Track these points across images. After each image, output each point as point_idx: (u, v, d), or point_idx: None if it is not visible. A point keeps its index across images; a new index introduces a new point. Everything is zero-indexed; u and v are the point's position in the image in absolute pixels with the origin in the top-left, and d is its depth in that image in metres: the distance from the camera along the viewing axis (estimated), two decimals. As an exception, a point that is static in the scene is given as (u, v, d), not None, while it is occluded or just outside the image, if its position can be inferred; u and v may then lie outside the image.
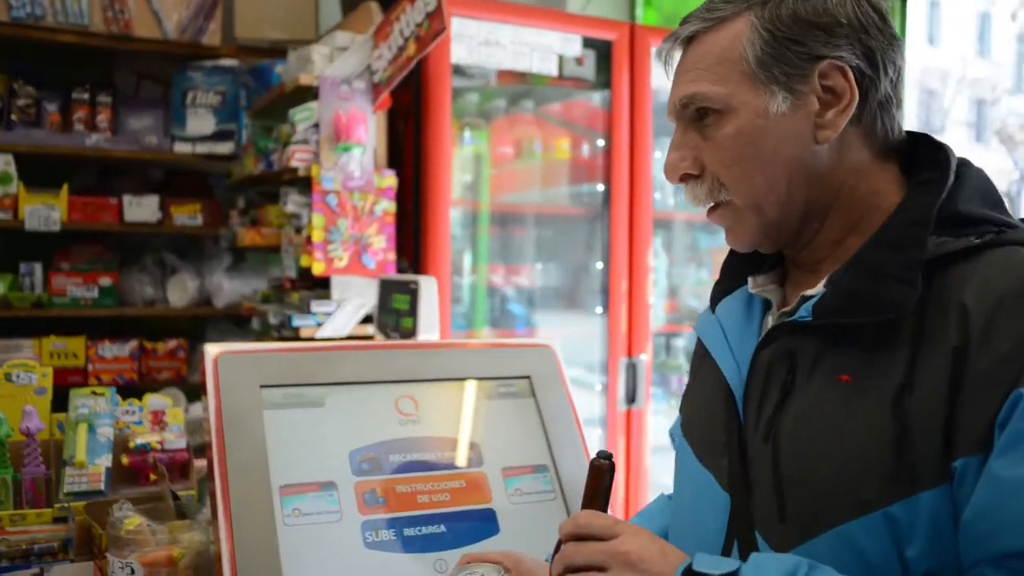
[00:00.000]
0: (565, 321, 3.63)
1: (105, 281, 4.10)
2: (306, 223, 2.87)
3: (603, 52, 3.40)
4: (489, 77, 3.30)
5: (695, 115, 1.11)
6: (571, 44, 3.27)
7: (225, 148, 4.14)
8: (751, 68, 1.07)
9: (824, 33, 1.06)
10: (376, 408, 1.53)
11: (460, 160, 3.25)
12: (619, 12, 3.97)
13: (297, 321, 2.82)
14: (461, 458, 1.55)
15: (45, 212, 3.90)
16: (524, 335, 3.42)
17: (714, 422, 1.18)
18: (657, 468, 3.52)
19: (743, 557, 1.08)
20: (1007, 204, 1.12)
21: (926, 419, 0.96)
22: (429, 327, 2.20)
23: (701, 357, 1.28)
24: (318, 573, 1.34)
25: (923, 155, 1.11)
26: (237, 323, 4.38)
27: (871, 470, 0.98)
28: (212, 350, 1.47)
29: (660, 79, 3.35)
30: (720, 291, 1.25)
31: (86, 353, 4.01)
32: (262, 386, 1.46)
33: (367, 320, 2.88)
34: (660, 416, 3.60)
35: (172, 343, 4.21)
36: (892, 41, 1.09)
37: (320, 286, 2.95)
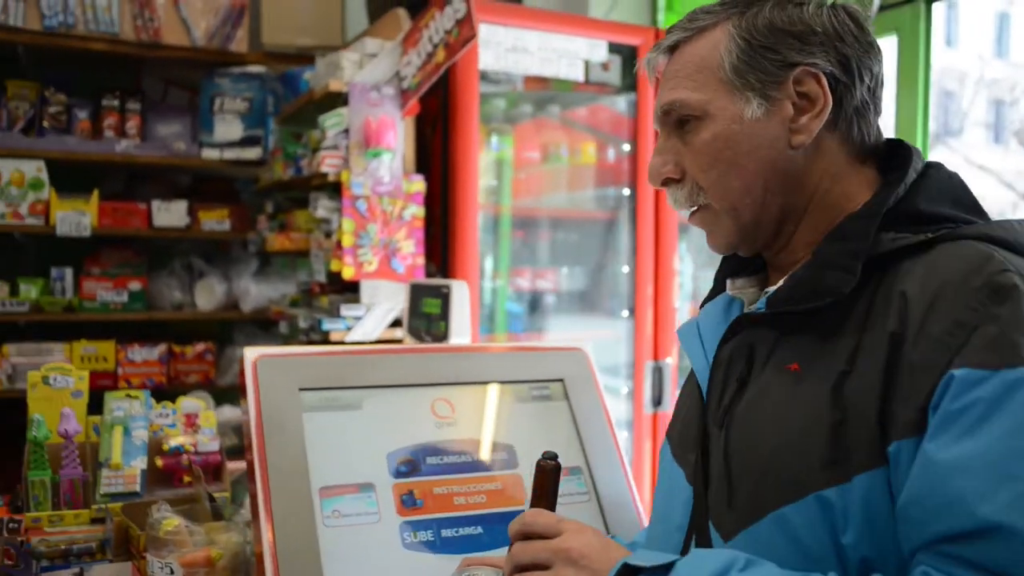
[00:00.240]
0: (590, 325, 3.64)
1: (134, 285, 4.14)
2: (336, 228, 2.90)
3: (628, 57, 3.41)
4: (515, 82, 3.32)
5: (676, 121, 1.15)
6: (597, 49, 3.28)
7: (252, 154, 4.18)
8: (727, 75, 1.11)
9: (798, 41, 1.09)
10: (412, 411, 1.55)
11: (483, 164, 3.26)
12: (642, 17, 3.98)
13: (327, 325, 2.84)
14: (496, 460, 1.56)
15: (76, 218, 3.95)
16: (538, 339, 3.43)
17: (689, 420, 1.22)
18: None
19: (700, 547, 1.12)
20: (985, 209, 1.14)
21: (862, 404, 0.98)
22: (461, 331, 2.22)
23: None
24: (358, 573, 1.36)
25: (897, 159, 1.14)
26: (264, 327, 4.42)
27: (808, 455, 1.00)
28: (251, 354, 1.49)
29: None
30: (707, 299, 1.29)
31: (116, 357, 4.05)
32: (301, 389, 1.48)
33: (396, 324, 2.90)
34: (686, 420, 3.59)
35: (200, 347, 4.25)
36: (869, 49, 1.12)
37: (349, 290, 2.97)
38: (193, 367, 4.24)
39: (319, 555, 1.35)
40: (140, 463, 2.27)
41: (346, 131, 2.88)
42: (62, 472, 2.18)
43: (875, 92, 1.14)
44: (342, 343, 2.78)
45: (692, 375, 1.26)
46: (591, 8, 3.84)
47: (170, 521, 1.76)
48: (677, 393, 1.40)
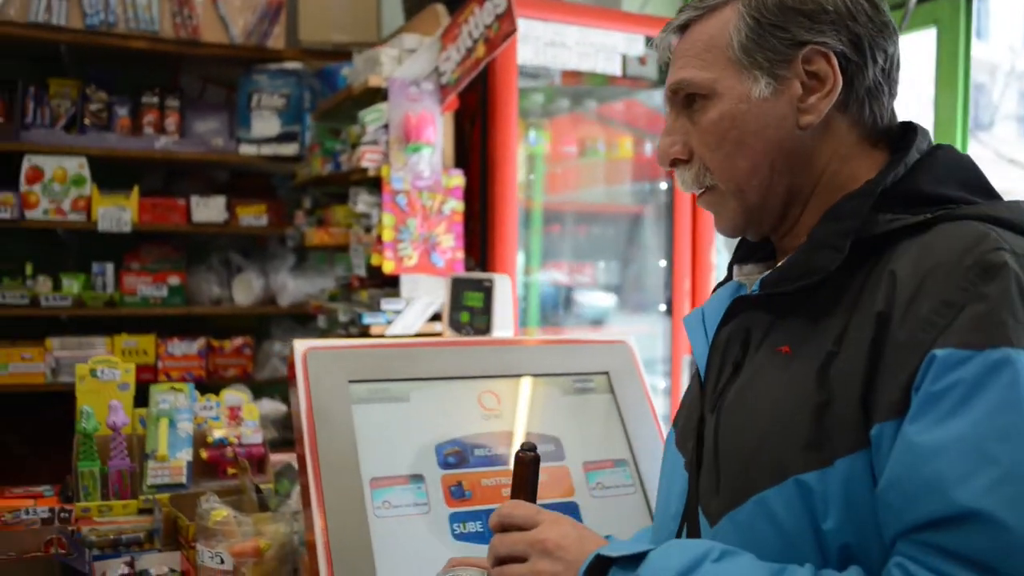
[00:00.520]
0: (627, 319, 3.63)
1: (174, 280, 4.19)
2: (376, 222, 2.92)
3: (665, 51, 3.39)
4: (553, 77, 3.32)
5: (685, 101, 1.14)
6: (634, 44, 3.27)
7: (289, 150, 4.21)
8: (736, 54, 1.09)
9: (808, 19, 1.07)
10: (460, 403, 1.56)
11: (521, 159, 3.27)
12: (675, 11, 3.97)
13: (367, 319, 2.86)
14: (543, 452, 1.57)
15: (117, 213, 4.00)
16: (573, 333, 3.43)
17: (691, 407, 1.21)
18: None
19: (690, 535, 1.12)
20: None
21: (846, 385, 0.96)
22: (504, 324, 2.23)
23: None
24: (409, 564, 1.37)
25: (907, 141, 1.11)
26: (300, 321, 4.45)
27: (791, 437, 0.99)
28: (300, 346, 1.51)
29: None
30: (717, 287, 1.28)
31: (156, 350, 4.10)
32: (350, 381, 1.49)
33: (435, 318, 2.91)
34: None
35: (238, 341, 4.29)
36: (883, 28, 1.09)
37: (388, 284, 2.99)
38: (231, 361, 4.28)
39: (371, 545, 1.36)
40: (186, 455, 2.30)
41: (386, 126, 2.90)
42: (110, 463, 2.21)
43: (889, 73, 1.11)
44: (382, 337, 2.80)
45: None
46: (624, 2, 3.84)
47: (219, 512, 1.78)
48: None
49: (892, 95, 1.12)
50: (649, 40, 3.33)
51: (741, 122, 1.09)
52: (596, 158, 3.57)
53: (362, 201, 2.97)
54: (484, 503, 1.47)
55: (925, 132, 1.11)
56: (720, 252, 3.70)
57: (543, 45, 3.03)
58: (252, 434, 2.46)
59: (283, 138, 4.23)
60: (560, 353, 1.70)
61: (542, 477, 1.56)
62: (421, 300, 2.86)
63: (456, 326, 2.49)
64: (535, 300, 3.41)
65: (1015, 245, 0.96)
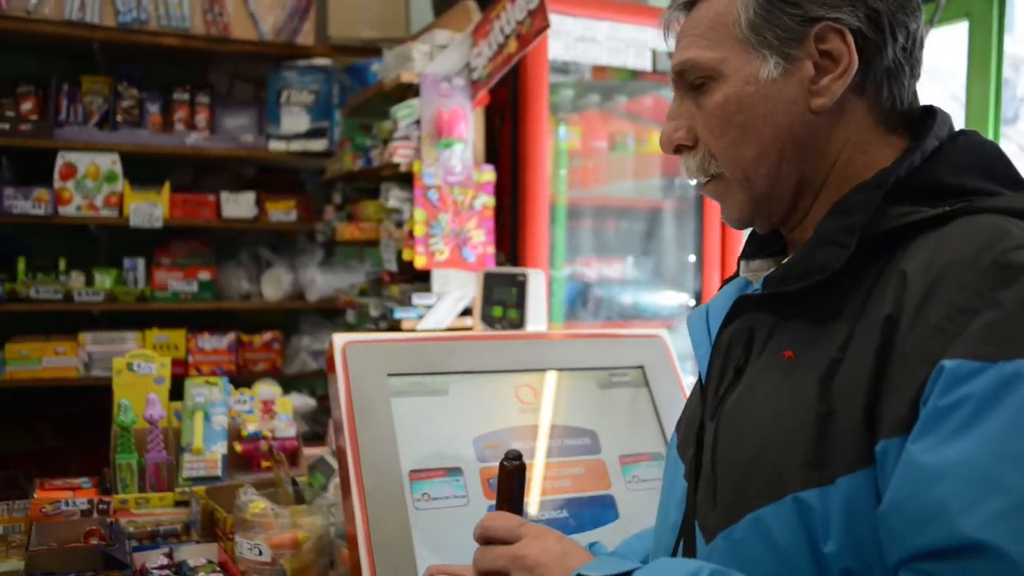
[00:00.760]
0: (656, 313, 3.63)
1: (204, 276, 4.22)
2: (407, 218, 2.93)
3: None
4: (583, 72, 3.32)
5: (690, 84, 1.05)
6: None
7: (318, 145, 4.24)
8: (743, 32, 1.00)
9: None
10: (497, 396, 1.57)
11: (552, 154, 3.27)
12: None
13: (399, 313, 2.88)
14: (580, 446, 1.58)
15: (148, 209, 4.04)
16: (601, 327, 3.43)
17: (693, 411, 1.14)
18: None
19: (687, 550, 1.05)
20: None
21: (850, 396, 0.89)
22: (537, 319, 2.24)
23: None
24: (449, 556, 1.38)
25: (926, 127, 1.02)
26: (329, 316, 4.48)
27: (791, 452, 0.91)
28: (339, 340, 1.52)
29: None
30: (725, 282, 1.21)
31: (187, 345, 4.14)
32: (389, 375, 1.50)
33: (466, 312, 2.93)
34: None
35: (267, 335, 4.32)
36: (905, 3, 1.00)
37: (419, 279, 3.00)
38: (261, 355, 4.31)
39: (410, 537, 1.37)
40: (221, 448, 2.33)
41: (417, 122, 2.91)
42: (148, 456, 2.24)
43: (911, 53, 1.01)
44: (413, 331, 2.82)
45: None
46: (652, -2, 3.83)
47: (257, 504, 1.80)
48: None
49: (914, 76, 1.03)
50: (679, 35, 3.32)
51: (748, 106, 1.00)
52: (625, 153, 3.57)
53: (393, 196, 2.98)
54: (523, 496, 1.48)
55: (946, 117, 1.03)
56: (749, 247, 3.68)
57: (573, 40, 3.03)
58: (285, 428, 2.48)
59: (312, 134, 4.25)
60: (595, 347, 1.71)
61: (580, 470, 1.58)
62: (452, 295, 2.87)
63: (488, 321, 2.50)
64: (560, 295, 3.42)
65: None
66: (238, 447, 2.39)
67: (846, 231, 0.94)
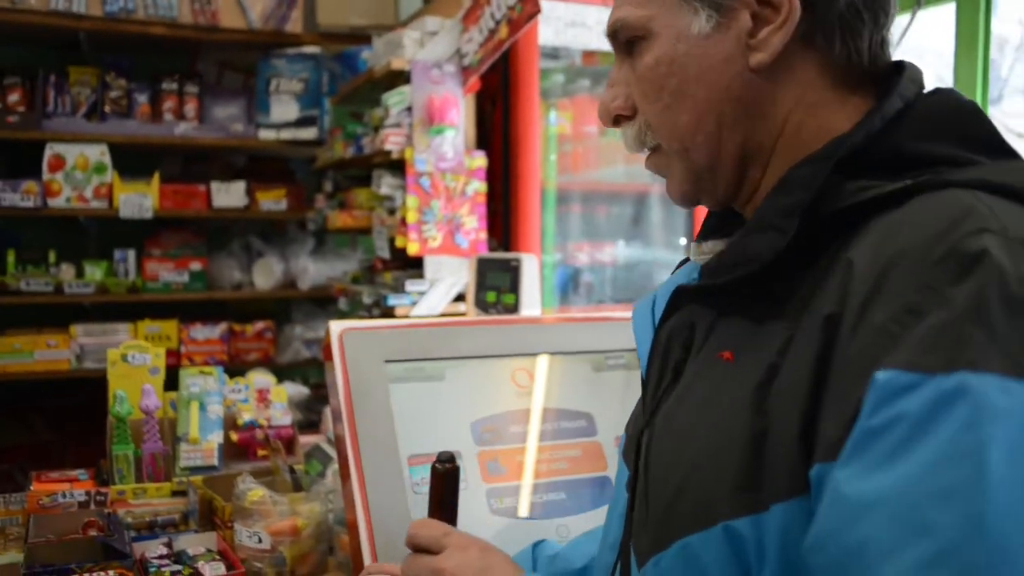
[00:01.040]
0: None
1: (195, 266, 4.22)
2: (399, 204, 2.93)
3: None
4: (573, 57, 3.32)
5: (625, 46, 0.93)
6: (654, 22, 3.27)
7: (308, 134, 4.23)
8: None
9: None
10: (494, 381, 1.57)
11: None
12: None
13: (392, 300, 2.88)
14: (576, 428, 1.59)
15: (138, 200, 4.03)
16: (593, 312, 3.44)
17: (638, 413, 1.03)
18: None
19: (623, 573, 0.96)
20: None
21: (786, 411, 0.76)
22: (531, 303, 2.25)
23: None
24: (449, 539, 1.38)
25: (890, 86, 0.88)
26: (321, 304, 4.48)
27: (722, 473, 0.79)
28: (336, 327, 1.52)
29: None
30: (677, 267, 1.09)
31: (179, 336, 4.14)
32: (386, 361, 1.51)
33: (459, 298, 2.93)
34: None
35: (259, 325, 4.32)
36: None
37: (411, 266, 3.01)
38: (253, 345, 4.31)
39: (411, 521, 1.37)
40: (217, 437, 2.33)
41: (409, 109, 2.91)
42: (144, 446, 2.24)
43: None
44: (407, 317, 2.82)
45: None
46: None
47: (255, 492, 1.81)
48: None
49: (878, 25, 0.87)
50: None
51: (680, 66, 0.88)
52: (615, 138, 3.57)
53: (385, 183, 2.98)
54: (520, 479, 1.49)
55: (915, 73, 0.88)
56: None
57: (563, 25, 3.03)
58: (281, 416, 2.48)
59: (302, 122, 4.24)
60: (590, 330, 1.71)
61: (576, 452, 1.59)
62: (445, 281, 2.87)
63: (482, 306, 2.50)
64: (550, 280, 3.43)
65: (1011, 223, 0.72)
66: (234, 436, 2.39)
67: (784, 213, 0.81)
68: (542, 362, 1.63)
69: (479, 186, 2.95)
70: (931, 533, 0.65)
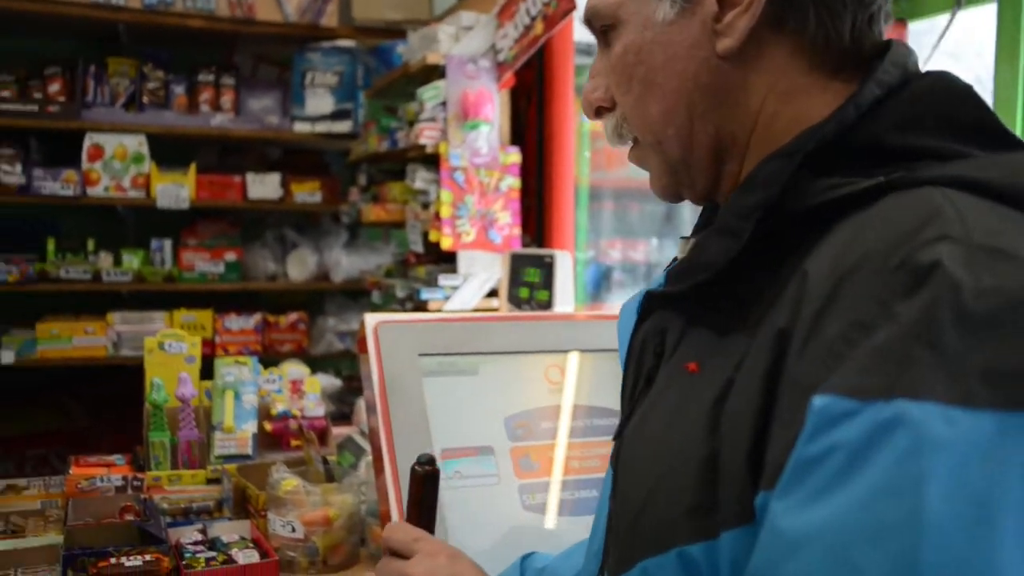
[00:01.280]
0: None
1: (230, 256, 4.26)
2: (433, 199, 2.95)
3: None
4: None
5: (602, 35, 0.90)
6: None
7: (343, 127, 4.25)
8: None
9: None
10: (527, 377, 1.58)
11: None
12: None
13: (425, 294, 2.90)
14: (608, 425, 1.59)
15: (175, 190, 4.07)
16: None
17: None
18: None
19: None
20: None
21: (735, 432, 0.72)
22: (565, 300, 2.25)
23: None
24: (481, 533, 1.40)
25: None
26: (353, 297, 4.51)
27: (678, 494, 0.76)
28: (371, 320, 1.53)
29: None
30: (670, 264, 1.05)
31: (214, 325, 4.18)
32: (420, 354, 1.52)
33: (492, 294, 2.94)
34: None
35: (293, 316, 4.35)
36: None
37: (445, 260, 3.02)
38: (287, 336, 4.34)
39: (443, 515, 1.39)
40: (251, 427, 2.36)
41: (443, 103, 2.92)
42: (180, 434, 2.27)
43: None
44: (440, 312, 2.84)
45: None
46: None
47: (289, 481, 1.83)
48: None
49: (863, 4, 0.80)
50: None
51: (647, 54, 0.84)
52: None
53: (420, 178, 3.00)
54: (552, 475, 1.50)
55: (901, 55, 0.81)
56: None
57: (599, 22, 3.03)
58: (314, 407, 2.51)
59: (336, 116, 4.27)
60: (624, 328, 1.72)
61: (606, 450, 1.59)
62: (478, 276, 2.89)
63: (516, 302, 2.51)
64: (582, 277, 3.43)
65: (979, 228, 0.65)
66: (268, 426, 2.43)
67: (742, 215, 0.77)
68: (574, 359, 1.64)
69: (513, 182, 2.96)
70: (857, 572, 0.60)
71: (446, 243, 2.89)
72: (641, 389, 0.89)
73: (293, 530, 1.74)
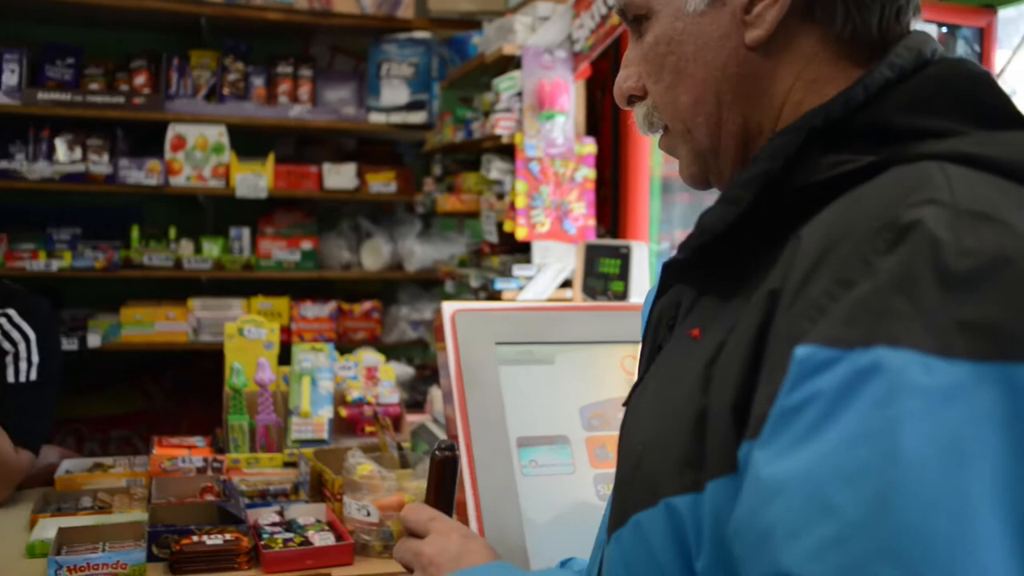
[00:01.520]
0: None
1: (306, 245, 4.32)
2: (508, 189, 2.95)
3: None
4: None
5: (634, 25, 0.92)
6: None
7: (417, 118, 4.29)
8: None
9: None
10: (603, 367, 1.58)
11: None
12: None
13: (499, 284, 2.91)
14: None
15: (253, 180, 4.15)
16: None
17: None
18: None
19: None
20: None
21: (722, 387, 0.75)
22: (641, 291, 2.24)
23: None
24: (556, 522, 1.40)
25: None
26: (426, 287, 4.55)
27: (670, 449, 0.79)
28: (448, 308, 1.54)
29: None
30: None
31: (289, 313, 4.25)
32: (497, 343, 1.52)
33: (565, 284, 2.94)
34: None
35: (367, 305, 4.41)
36: None
37: (519, 250, 3.03)
38: (360, 324, 4.40)
39: (518, 503, 1.39)
40: (327, 412, 2.40)
41: (519, 94, 2.92)
42: (258, 418, 2.32)
43: None
44: (514, 302, 2.84)
45: None
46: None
47: (365, 467, 1.85)
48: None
49: None
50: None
51: (677, 45, 0.86)
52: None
53: (495, 168, 3.00)
54: (628, 466, 1.50)
55: (919, 41, 0.82)
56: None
57: (675, 11, 3.00)
58: (389, 394, 2.55)
59: (412, 106, 4.30)
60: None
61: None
62: (552, 266, 2.89)
63: (591, 292, 2.51)
64: (655, 269, 3.40)
65: (967, 194, 0.67)
66: (343, 412, 2.46)
67: (743, 185, 0.79)
68: (651, 349, 1.63)
69: (588, 172, 2.95)
70: (834, 514, 0.62)
71: (521, 233, 2.89)
72: (651, 360, 0.94)
73: (368, 514, 1.77)
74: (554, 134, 2.88)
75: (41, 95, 3.90)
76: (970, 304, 0.62)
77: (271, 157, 4.22)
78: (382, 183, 4.36)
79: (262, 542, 1.72)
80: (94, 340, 3.96)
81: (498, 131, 2.93)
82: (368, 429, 2.43)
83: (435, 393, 2.69)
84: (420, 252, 4.33)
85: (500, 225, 3.04)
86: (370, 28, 4.31)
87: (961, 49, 2.74)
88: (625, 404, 0.96)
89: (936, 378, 0.61)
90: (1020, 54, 2.67)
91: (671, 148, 0.93)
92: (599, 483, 1.46)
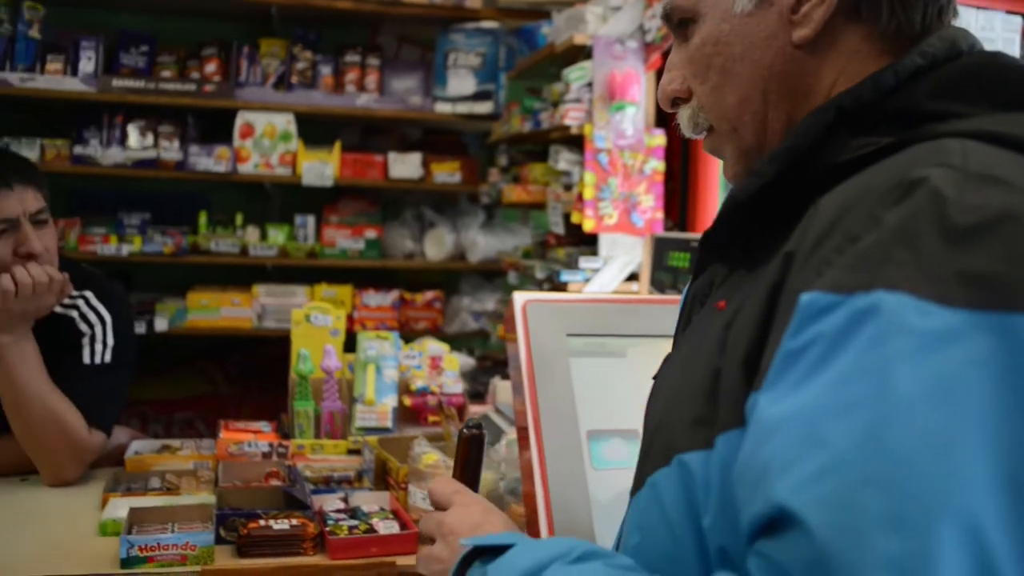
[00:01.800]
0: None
1: (370, 234, 4.34)
2: (576, 181, 2.92)
3: None
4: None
5: (679, 28, 0.95)
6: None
7: (484, 108, 4.27)
8: None
9: None
10: (675, 361, 1.55)
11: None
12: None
13: (565, 276, 2.88)
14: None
15: (320, 168, 4.17)
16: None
17: None
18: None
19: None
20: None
21: (737, 344, 0.78)
22: (712, 285, 2.20)
23: None
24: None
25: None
26: (488, 277, 4.54)
27: (686, 409, 0.83)
28: (520, 298, 1.52)
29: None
30: None
31: (352, 301, 4.27)
32: (568, 335, 1.50)
33: (631, 277, 2.91)
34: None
35: (429, 295, 4.41)
36: None
37: (585, 242, 3.00)
38: (422, 314, 4.40)
39: (588, 496, 1.37)
40: (391, 400, 2.40)
41: (589, 84, 2.89)
42: (323, 404, 2.33)
43: None
44: (581, 294, 2.82)
45: None
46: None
47: (429, 455, 1.85)
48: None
49: None
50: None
51: (724, 45, 0.88)
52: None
53: (563, 159, 2.98)
54: (699, 463, 1.46)
55: (954, 34, 0.85)
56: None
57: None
58: (452, 384, 2.54)
59: (478, 96, 4.29)
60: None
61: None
62: (619, 259, 2.85)
63: (659, 286, 2.47)
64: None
65: (978, 162, 0.71)
66: (407, 400, 2.46)
67: (771, 159, 0.83)
68: (724, 345, 1.60)
69: (657, 165, 2.91)
70: (826, 445, 0.64)
71: (588, 225, 2.86)
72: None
73: (433, 504, 1.75)
74: (624, 125, 2.84)
75: (116, 82, 3.97)
76: (971, 256, 0.65)
77: (337, 145, 4.24)
78: (447, 173, 4.36)
79: (327, 528, 1.72)
80: (161, 324, 4.02)
81: (567, 121, 2.90)
82: (431, 419, 2.43)
83: (497, 384, 2.68)
84: (483, 243, 4.32)
85: (567, 216, 3.01)
86: (438, 18, 4.30)
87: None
88: (654, 377, 1.01)
89: (931, 321, 0.64)
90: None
91: (716, 148, 0.96)
92: (670, 480, 1.43)
